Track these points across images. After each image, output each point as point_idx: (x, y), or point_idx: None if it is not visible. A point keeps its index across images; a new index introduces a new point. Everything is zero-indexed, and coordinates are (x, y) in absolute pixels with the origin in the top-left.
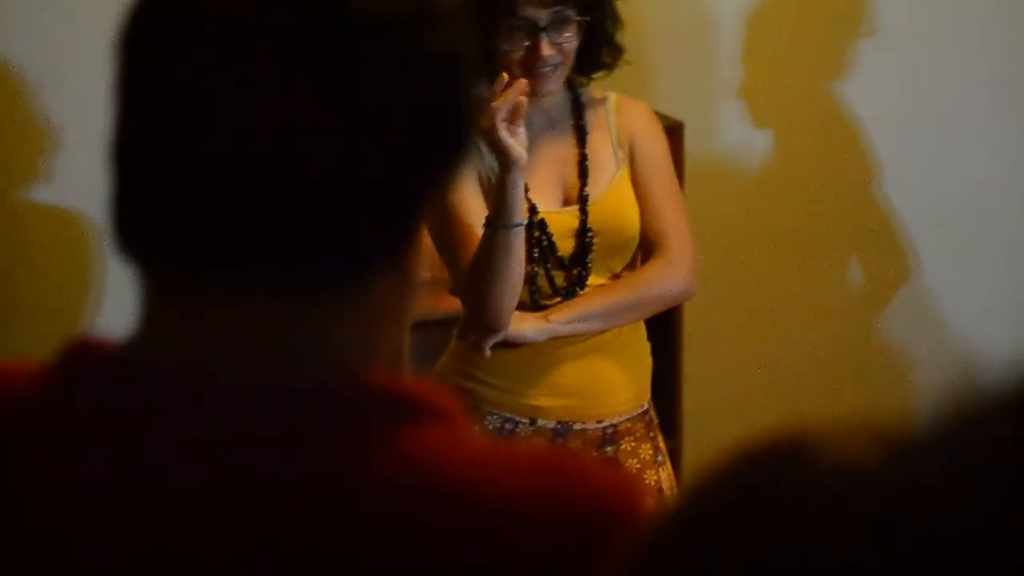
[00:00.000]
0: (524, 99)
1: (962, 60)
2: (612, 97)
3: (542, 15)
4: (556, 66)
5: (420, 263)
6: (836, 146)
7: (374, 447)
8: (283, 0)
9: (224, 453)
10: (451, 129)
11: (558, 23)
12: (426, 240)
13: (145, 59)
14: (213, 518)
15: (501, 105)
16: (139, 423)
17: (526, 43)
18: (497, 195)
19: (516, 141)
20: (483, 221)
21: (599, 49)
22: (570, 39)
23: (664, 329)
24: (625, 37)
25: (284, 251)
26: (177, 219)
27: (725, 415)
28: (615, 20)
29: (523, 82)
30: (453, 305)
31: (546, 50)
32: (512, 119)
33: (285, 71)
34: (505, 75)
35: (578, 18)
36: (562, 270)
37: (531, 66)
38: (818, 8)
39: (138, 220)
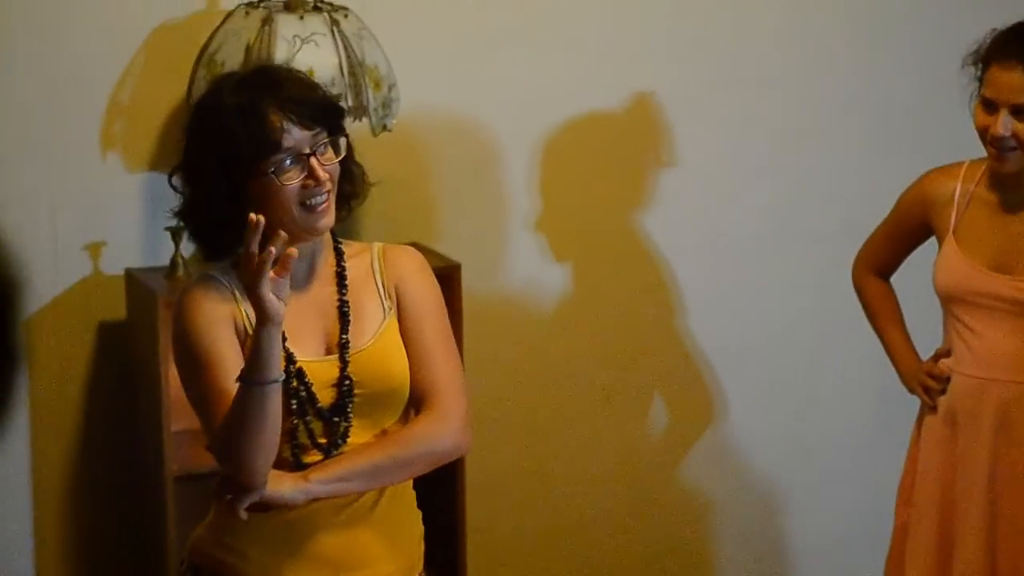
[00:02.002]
0: (294, 250)
1: (760, 192)
2: (377, 246)
3: (306, 140)
4: (328, 193)
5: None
6: (634, 280)
7: None
8: None
9: None
10: None
11: (320, 146)
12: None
13: None
14: None
15: (268, 256)
16: None
17: (296, 173)
18: (252, 350)
19: (278, 295)
20: (237, 375)
21: (349, 175)
22: (332, 161)
23: (445, 481)
24: (407, 176)
25: None
26: None
27: (511, 565)
28: (348, 141)
29: (283, 234)
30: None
31: (321, 173)
32: (279, 270)
33: None
34: (255, 216)
35: (329, 139)
36: (322, 422)
37: (308, 198)
38: (616, 138)
39: None
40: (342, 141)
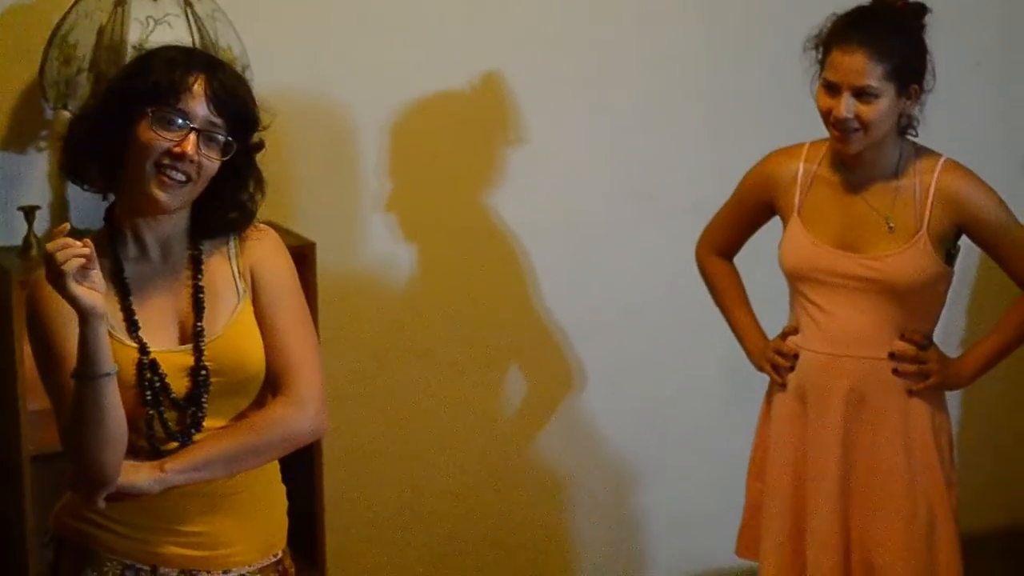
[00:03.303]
0: (88, 241)
1: (609, 173)
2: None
3: (204, 119)
4: (189, 180)
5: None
6: (487, 258)
7: None
8: None
9: None
10: None
11: (209, 136)
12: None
13: None
14: None
15: (68, 252)
16: None
17: (175, 135)
18: (80, 345)
19: (90, 287)
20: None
21: (231, 199)
22: (211, 158)
23: (303, 458)
24: (261, 156)
25: None
26: None
27: (371, 539)
28: (258, 180)
29: (67, 226)
30: None
31: (189, 149)
32: (85, 263)
33: None
34: (63, 225)
35: (225, 138)
36: (176, 411)
37: (164, 164)
38: (467, 118)
39: None
40: (234, 148)
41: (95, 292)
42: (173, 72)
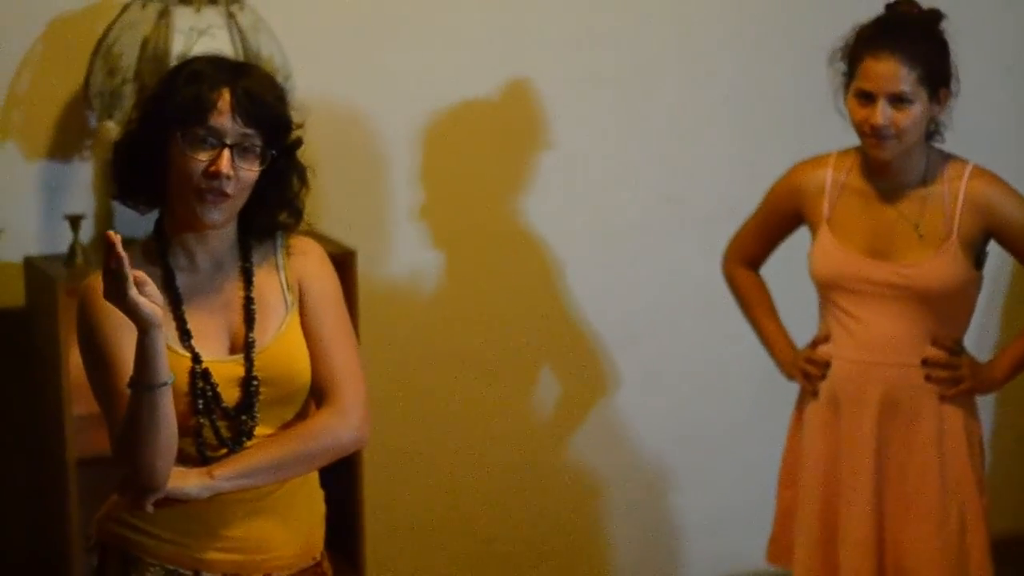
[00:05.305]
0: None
1: (640, 178)
2: (281, 236)
3: (234, 132)
4: (227, 194)
5: None
6: (520, 263)
7: None
8: None
9: None
10: None
11: (244, 147)
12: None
13: None
14: None
15: (121, 266)
16: None
17: (208, 154)
18: (138, 355)
19: (149, 297)
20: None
21: (277, 200)
22: (249, 170)
23: (343, 462)
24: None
25: None
26: None
27: (409, 542)
28: (301, 176)
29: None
30: None
31: (224, 166)
32: (138, 275)
33: None
34: (111, 234)
35: (261, 146)
36: (227, 420)
37: (204, 185)
38: (499, 125)
39: None
40: (271, 155)
41: (153, 303)
42: (198, 88)
